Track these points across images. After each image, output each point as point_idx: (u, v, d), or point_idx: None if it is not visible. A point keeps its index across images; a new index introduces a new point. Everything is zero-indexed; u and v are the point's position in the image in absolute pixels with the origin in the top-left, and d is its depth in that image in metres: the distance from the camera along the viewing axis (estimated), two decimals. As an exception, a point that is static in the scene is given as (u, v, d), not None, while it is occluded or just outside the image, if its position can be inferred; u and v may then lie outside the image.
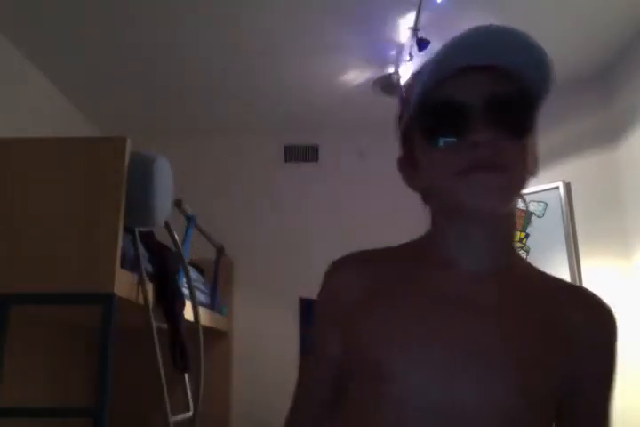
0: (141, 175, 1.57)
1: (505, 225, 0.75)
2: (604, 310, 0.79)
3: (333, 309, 0.79)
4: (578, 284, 2.69)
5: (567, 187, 2.82)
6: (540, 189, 2.90)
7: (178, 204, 2.16)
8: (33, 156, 1.55)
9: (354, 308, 0.75)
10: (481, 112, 0.68)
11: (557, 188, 2.83)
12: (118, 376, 1.58)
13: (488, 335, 0.70)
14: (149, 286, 1.74)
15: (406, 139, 0.78)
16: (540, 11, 2.34)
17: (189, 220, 2.34)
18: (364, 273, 0.78)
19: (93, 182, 1.51)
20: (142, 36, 2.52)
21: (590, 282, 2.68)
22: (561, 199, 2.81)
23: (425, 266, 0.77)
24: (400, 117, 0.79)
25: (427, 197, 0.79)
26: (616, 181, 2.69)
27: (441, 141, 0.70)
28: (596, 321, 0.77)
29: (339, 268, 0.81)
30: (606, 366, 0.79)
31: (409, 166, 0.78)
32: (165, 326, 1.82)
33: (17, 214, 1.49)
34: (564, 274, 2.73)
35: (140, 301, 1.67)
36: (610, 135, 2.74)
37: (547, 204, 2.87)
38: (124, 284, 1.52)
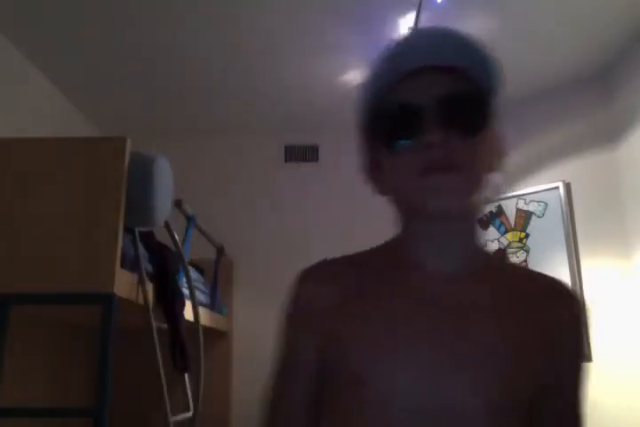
0: (141, 175, 1.57)
1: (469, 224, 0.77)
2: (574, 300, 0.78)
3: (306, 319, 0.77)
4: (577, 284, 2.69)
5: (567, 187, 2.82)
6: (540, 189, 2.90)
7: (178, 204, 2.16)
8: (33, 156, 1.55)
9: (328, 315, 0.74)
10: (433, 113, 0.69)
11: (557, 188, 2.83)
12: (118, 376, 1.58)
13: (469, 335, 0.70)
14: (149, 286, 1.74)
15: (369, 143, 0.79)
16: (539, 11, 2.34)
17: (189, 220, 2.34)
18: (334, 280, 0.77)
19: (93, 182, 1.51)
20: (142, 36, 2.52)
21: (590, 282, 2.68)
22: (561, 199, 2.81)
23: (397, 268, 0.77)
24: (360, 122, 0.79)
25: (393, 200, 0.79)
26: (616, 181, 2.69)
27: (397, 144, 0.71)
28: (567, 314, 0.77)
29: (307, 277, 0.80)
30: (577, 357, 0.79)
31: (374, 171, 0.79)
32: (165, 326, 1.82)
33: (17, 214, 1.49)
34: (564, 274, 2.73)
35: (140, 301, 1.67)
36: (610, 135, 2.74)
37: (547, 204, 2.87)
38: (123, 284, 1.52)
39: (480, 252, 0.78)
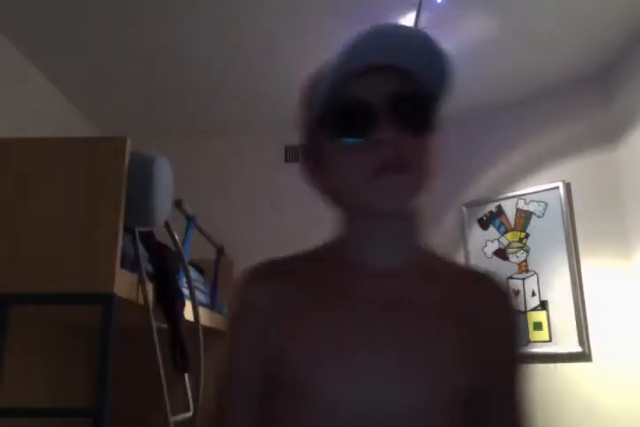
0: (141, 175, 1.57)
1: (411, 222, 0.77)
2: (507, 296, 0.78)
3: (248, 322, 0.76)
4: (577, 284, 2.69)
5: (567, 187, 2.82)
6: (540, 189, 2.90)
7: (178, 204, 2.16)
8: (33, 156, 1.55)
9: (269, 319, 0.74)
10: (385, 111, 0.69)
11: (557, 188, 2.83)
12: (118, 376, 1.58)
13: (409, 334, 0.70)
14: (149, 286, 1.74)
15: (311, 139, 0.78)
16: (540, 11, 2.34)
17: (189, 220, 2.34)
18: (276, 282, 0.76)
19: (93, 182, 1.51)
20: (142, 36, 2.52)
21: (590, 282, 2.68)
22: (561, 199, 2.81)
23: (338, 269, 0.76)
24: (302, 120, 0.79)
25: (334, 199, 0.79)
26: (616, 181, 2.69)
27: (348, 141, 0.71)
28: (501, 308, 0.77)
29: (250, 279, 0.79)
30: (514, 352, 0.78)
31: (313, 166, 0.78)
32: (165, 326, 1.82)
33: (17, 214, 1.49)
34: (564, 274, 2.73)
35: (140, 301, 1.67)
36: (610, 135, 2.74)
37: (547, 204, 2.87)
38: (123, 284, 1.52)
39: (420, 250, 0.78)
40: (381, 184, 0.69)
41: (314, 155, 0.78)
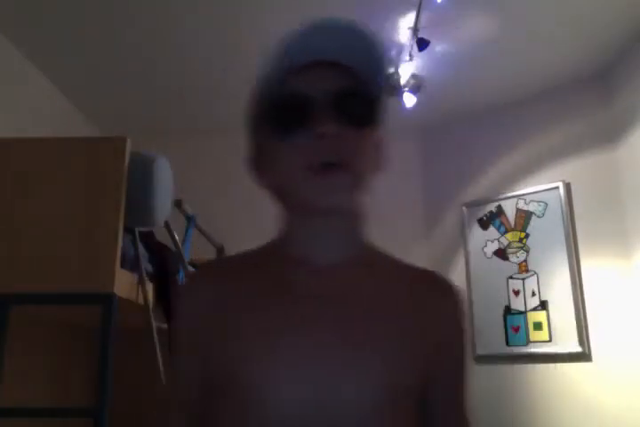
0: (141, 175, 1.57)
1: (353, 219, 0.77)
2: (451, 292, 0.79)
3: (190, 324, 0.76)
4: (577, 284, 2.69)
5: (567, 187, 2.82)
6: (540, 189, 2.90)
7: (178, 204, 2.16)
8: (33, 156, 1.55)
9: (211, 321, 0.73)
10: (326, 106, 0.69)
11: (557, 188, 2.83)
12: (118, 376, 1.58)
13: (351, 329, 0.69)
14: (149, 286, 1.74)
15: (255, 135, 0.79)
16: (540, 11, 2.34)
17: (189, 220, 2.34)
18: (217, 282, 0.76)
19: (93, 182, 1.51)
20: (142, 36, 2.52)
21: (590, 282, 2.68)
22: (561, 199, 2.81)
23: (279, 265, 0.76)
24: (249, 114, 0.80)
25: (277, 195, 0.79)
26: (616, 181, 2.69)
27: (288, 134, 0.71)
28: (445, 305, 0.77)
29: (193, 281, 0.79)
30: (458, 348, 0.78)
31: (257, 160, 0.79)
32: (165, 326, 1.81)
33: (17, 214, 1.49)
34: (564, 274, 2.73)
35: (140, 301, 1.67)
36: (610, 135, 2.74)
37: (547, 204, 2.87)
38: (123, 284, 1.52)
39: (362, 247, 0.79)
40: (319, 182, 0.69)
41: (258, 151, 0.79)
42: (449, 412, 0.77)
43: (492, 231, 3.05)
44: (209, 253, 3.01)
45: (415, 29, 2.34)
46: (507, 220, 3.01)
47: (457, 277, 3.10)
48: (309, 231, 0.76)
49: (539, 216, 2.89)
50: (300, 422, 0.66)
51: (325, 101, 0.70)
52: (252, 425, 0.67)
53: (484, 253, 3.05)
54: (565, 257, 2.74)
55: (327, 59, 0.71)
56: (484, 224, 3.10)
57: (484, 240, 3.07)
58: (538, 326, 2.78)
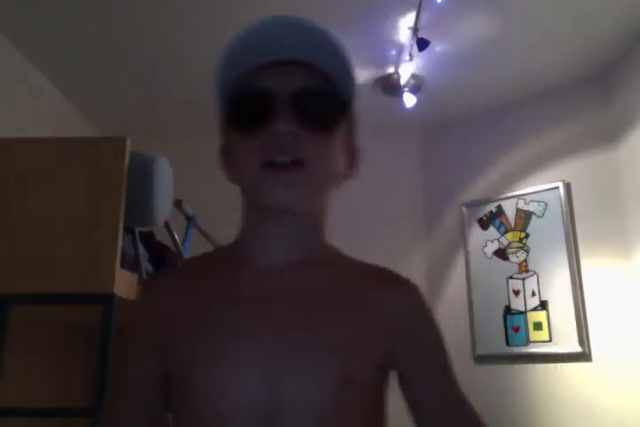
0: (141, 175, 1.57)
1: (310, 220, 0.76)
2: (408, 288, 0.78)
3: (144, 330, 0.77)
4: (577, 284, 2.69)
5: (567, 187, 2.82)
6: (540, 189, 2.90)
7: (178, 204, 2.16)
8: (33, 156, 1.55)
9: (164, 325, 0.73)
10: (285, 103, 0.68)
11: (557, 188, 2.83)
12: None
13: (299, 330, 0.69)
14: (149, 286, 1.74)
15: (224, 128, 0.78)
16: (539, 11, 2.34)
17: (189, 220, 2.34)
18: (168, 285, 0.77)
19: (93, 182, 1.51)
20: (142, 35, 2.52)
21: (590, 282, 2.68)
22: (561, 199, 2.81)
23: (232, 266, 0.76)
24: (218, 107, 0.79)
25: (241, 191, 0.79)
26: (616, 181, 2.69)
27: (246, 130, 0.70)
28: (402, 300, 0.76)
29: (147, 286, 0.80)
30: (431, 340, 0.78)
31: (226, 156, 0.78)
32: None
33: (17, 214, 1.49)
34: (564, 274, 2.73)
35: (140, 301, 1.66)
36: (610, 135, 2.74)
37: (547, 204, 2.87)
38: (123, 284, 1.52)
39: (318, 248, 0.77)
40: (270, 178, 0.68)
41: (224, 147, 0.78)
42: (444, 410, 0.76)
43: (492, 231, 3.05)
44: (209, 253, 3.01)
45: (415, 29, 2.34)
46: (507, 220, 3.01)
47: (457, 277, 3.10)
48: (262, 231, 0.75)
49: (539, 216, 2.89)
50: (252, 423, 0.65)
51: (285, 98, 0.68)
52: (204, 425, 0.67)
53: (484, 253, 3.05)
54: (565, 257, 2.74)
55: (289, 56, 0.70)
56: (484, 224, 3.10)
57: (484, 240, 3.07)
58: (538, 326, 2.78)
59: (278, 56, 0.70)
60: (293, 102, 0.69)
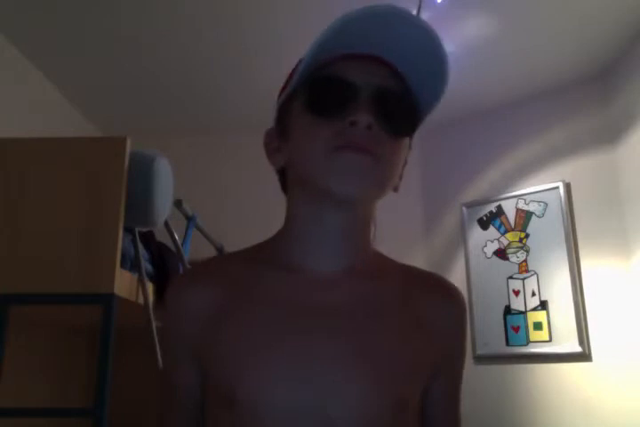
0: (141, 175, 1.57)
1: (364, 220, 0.73)
2: (457, 298, 0.76)
3: (180, 333, 0.72)
4: (577, 284, 2.68)
5: (567, 187, 2.82)
6: (540, 189, 2.90)
7: (178, 204, 2.16)
8: (33, 156, 1.55)
9: (201, 329, 0.70)
10: (367, 97, 0.66)
11: (557, 188, 2.83)
12: (118, 376, 1.58)
13: (350, 342, 0.66)
14: (149, 286, 1.74)
15: (282, 113, 0.75)
16: (539, 11, 2.34)
17: (189, 220, 2.34)
18: (207, 288, 0.72)
19: (93, 182, 1.51)
20: (142, 35, 2.52)
21: (590, 282, 2.68)
22: (561, 199, 2.81)
23: (275, 270, 0.71)
24: (282, 90, 0.76)
25: (287, 179, 0.75)
26: (616, 181, 2.69)
27: (320, 116, 0.67)
28: (449, 307, 0.75)
29: (179, 287, 0.75)
30: (460, 349, 0.77)
31: (277, 140, 0.75)
32: (165, 326, 1.81)
33: (17, 214, 1.49)
34: (564, 274, 2.73)
35: (140, 301, 1.67)
36: (609, 135, 2.74)
37: (547, 204, 2.87)
38: (124, 284, 1.52)
39: (367, 253, 0.75)
40: (341, 163, 0.65)
41: (281, 128, 0.74)
42: (445, 419, 0.76)
43: (492, 231, 3.05)
44: (209, 254, 3.01)
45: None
46: (507, 220, 3.01)
47: (457, 277, 3.10)
48: (315, 231, 0.70)
49: (539, 216, 2.89)
50: None
51: (367, 93, 0.66)
52: None
53: (484, 253, 3.05)
54: (565, 257, 2.74)
55: (381, 55, 0.68)
56: (483, 224, 3.10)
57: (484, 240, 3.07)
58: (538, 326, 2.78)
59: (368, 50, 0.67)
60: (375, 98, 0.66)
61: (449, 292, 0.76)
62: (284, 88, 0.76)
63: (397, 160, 0.70)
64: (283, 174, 0.77)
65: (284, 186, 0.77)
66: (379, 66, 0.68)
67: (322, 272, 0.70)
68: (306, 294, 0.69)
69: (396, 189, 0.74)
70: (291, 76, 0.74)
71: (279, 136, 0.74)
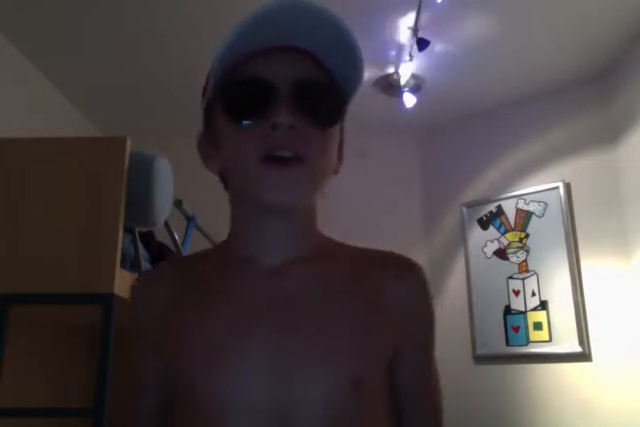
0: (141, 175, 1.57)
1: (304, 215, 0.73)
2: (408, 268, 0.75)
3: (141, 327, 0.76)
4: (577, 284, 2.68)
5: (567, 187, 2.82)
6: (540, 189, 2.90)
7: (178, 204, 2.16)
8: (33, 156, 1.55)
9: (160, 324, 0.72)
10: (286, 94, 0.65)
11: (557, 188, 2.83)
12: (118, 376, 1.58)
13: (305, 330, 0.67)
14: (149, 286, 1.74)
15: (209, 117, 0.75)
16: (539, 11, 2.34)
17: (189, 220, 2.34)
18: (166, 285, 0.74)
19: (93, 182, 1.51)
20: (143, 35, 2.52)
21: (590, 282, 2.68)
22: (561, 199, 2.81)
23: (226, 266, 0.73)
24: (204, 93, 0.76)
25: (226, 182, 0.75)
26: (616, 181, 2.69)
27: (242, 120, 0.66)
28: (403, 280, 0.74)
29: (140, 283, 0.78)
30: (424, 321, 0.75)
31: (209, 146, 0.75)
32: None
33: (17, 214, 1.49)
34: (564, 274, 2.73)
35: (140, 301, 1.66)
36: (609, 135, 2.74)
37: (547, 204, 2.87)
38: (124, 284, 1.52)
39: (315, 242, 0.75)
40: (270, 175, 0.65)
41: (210, 136, 0.74)
42: (419, 398, 0.75)
43: (492, 231, 3.05)
44: (209, 253, 3.01)
45: (415, 29, 2.34)
46: (507, 220, 3.01)
47: (457, 277, 3.10)
48: (258, 229, 0.71)
49: (539, 216, 2.89)
50: (256, 424, 0.64)
51: (286, 90, 0.65)
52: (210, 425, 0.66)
53: (484, 253, 3.05)
54: (565, 257, 2.74)
55: (295, 44, 0.67)
56: (483, 224, 3.10)
57: (484, 240, 3.07)
58: (538, 326, 2.78)
59: (280, 42, 0.66)
60: (294, 94, 0.65)
61: (403, 266, 0.75)
62: (204, 91, 0.75)
63: (328, 151, 0.70)
64: (223, 175, 0.77)
65: (226, 186, 0.77)
66: (294, 56, 0.67)
67: (269, 264, 0.71)
68: (255, 287, 0.70)
69: (335, 172, 0.74)
70: (208, 78, 0.73)
71: (210, 142, 0.75)
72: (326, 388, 0.65)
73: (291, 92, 0.65)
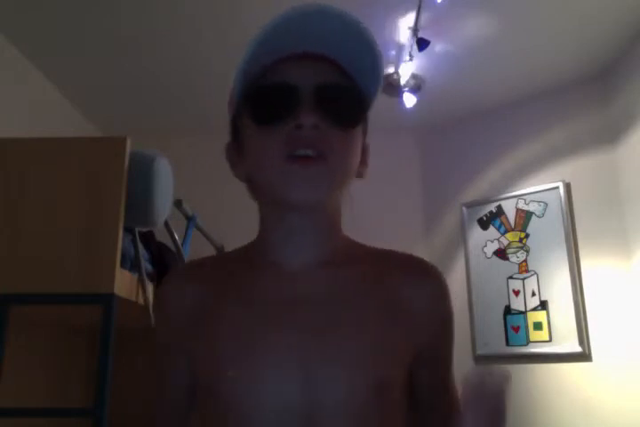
0: (141, 175, 1.57)
1: (328, 216, 0.75)
2: (430, 273, 0.77)
3: (170, 329, 0.76)
4: (577, 284, 2.68)
5: (567, 187, 2.82)
6: (540, 189, 2.90)
7: (178, 204, 2.16)
8: (32, 156, 1.55)
9: (187, 327, 0.73)
10: (309, 97, 0.67)
11: (557, 188, 2.83)
12: (118, 376, 1.58)
13: (330, 332, 0.68)
14: (149, 286, 1.74)
15: (235, 129, 0.77)
16: (539, 11, 2.34)
17: (189, 220, 2.34)
18: (193, 284, 0.76)
19: (93, 182, 1.51)
20: (143, 35, 2.52)
21: (590, 282, 2.68)
22: (561, 199, 2.81)
23: (255, 268, 0.75)
24: (230, 101, 0.78)
25: (253, 189, 0.77)
26: (616, 181, 2.69)
27: (267, 122, 0.69)
28: (425, 286, 0.75)
29: (168, 285, 0.79)
30: (445, 326, 0.77)
31: (236, 154, 0.77)
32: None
33: (17, 214, 1.49)
34: (564, 274, 2.73)
35: (140, 301, 1.67)
36: (609, 135, 2.74)
37: (547, 204, 2.87)
38: (124, 284, 1.52)
39: (339, 244, 0.76)
40: (293, 173, 0.67)
41: (235, 140, 0.76)
42: (439, 398, 0.76)
43: (492, 231, 3.05)
44: (209, 253, 3.01)
45: (415, 29, 2.34)
46: (507, 220, 3.01)
47: (457, 278, 3.10)
48: (283, 231, 0.73)
49: (539, 216, 2.89)
50: (281, 424, 0.65)
51: (309, 93, 0.68)
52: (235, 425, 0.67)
53: (484, 253, 3.05)
54: (565, 257, 2.74)
55: (316, 50, 0.69)
56: (483, 224, 3.10)
57: (484, 240, 3.07)
58: (538, 326, 2.78)
59: (303, 49, 0.69)
60: (317, 97, 0.68)
61: (425, 271, 0.77)
62: (231, 101, 0.77)
63: (351, 152, 0.72)
64: (250, 182, 0.78)
65: (253, 193, 0.79)
66: (316, 63, 0.70)
67: (296, 266, 0.73)
68: (282, 288, 0.72)
69: (360, 175, 0.77)
70: (232, 92, 0.76)
71: (236, 150, 0.76)
72: (352, 388, 0.66)
73: (313, 95, 0.68)
